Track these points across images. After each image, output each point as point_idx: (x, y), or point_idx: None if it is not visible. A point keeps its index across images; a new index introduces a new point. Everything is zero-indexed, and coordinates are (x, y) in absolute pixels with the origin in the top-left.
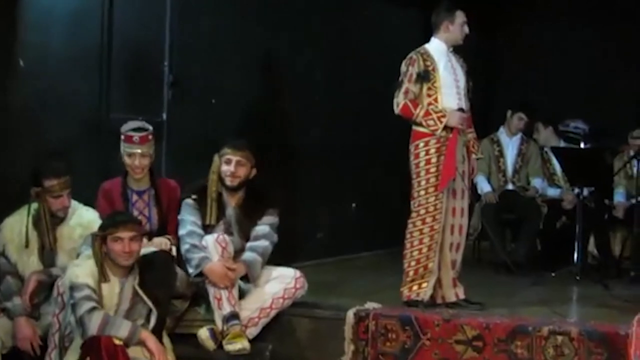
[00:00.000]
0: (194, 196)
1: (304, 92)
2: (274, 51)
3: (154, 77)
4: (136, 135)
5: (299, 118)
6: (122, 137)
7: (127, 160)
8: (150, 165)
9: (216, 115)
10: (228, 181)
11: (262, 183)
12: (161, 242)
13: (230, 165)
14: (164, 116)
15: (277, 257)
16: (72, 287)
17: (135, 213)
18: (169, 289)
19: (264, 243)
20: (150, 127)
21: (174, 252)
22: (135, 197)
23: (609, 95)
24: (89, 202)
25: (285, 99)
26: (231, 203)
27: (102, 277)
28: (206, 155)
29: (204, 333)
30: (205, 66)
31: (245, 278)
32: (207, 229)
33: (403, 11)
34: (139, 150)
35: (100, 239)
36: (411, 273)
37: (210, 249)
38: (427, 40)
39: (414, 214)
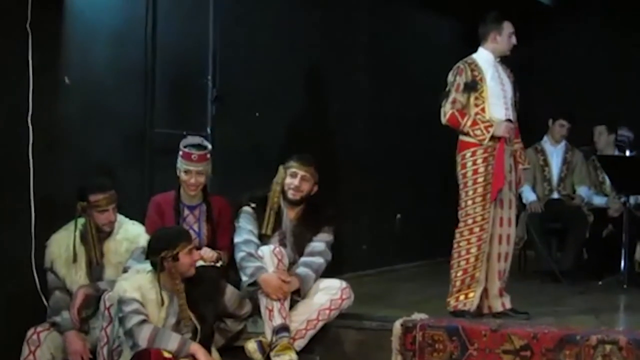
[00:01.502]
0: (253, 205)
1: (348, 103)
2: (316, 62)
3: (197, 92)
4: (195, 154)
5: (343, 129)
6: (180, 152)
7: (183, 176)
8: (205, 183)
9: (260, 129)
10: (290, 194)
11: (321, 200)
12: (209, 254)
13: (296, 179)
14: (208, 130)
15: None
16: (121, 301)
17: (185, 227)
18: (215, 305)
19: (319, 260)
20: (209, 146)
21: (220, 263)
22: (186, 212)
23: None
24: (132, 216)
25: (329, 110)
26: (289, 216)
27: (159, 297)
28: (250, 169)
29: (251, 345)
30: (248, 80)
31: (296, 293)
32: (262, 238)
33: (444, 21)
34: (196, 168)
35: (171, 257)
36: (458, 283)
37: (266, 259)
38: (468, 50)
39: (461, 224)
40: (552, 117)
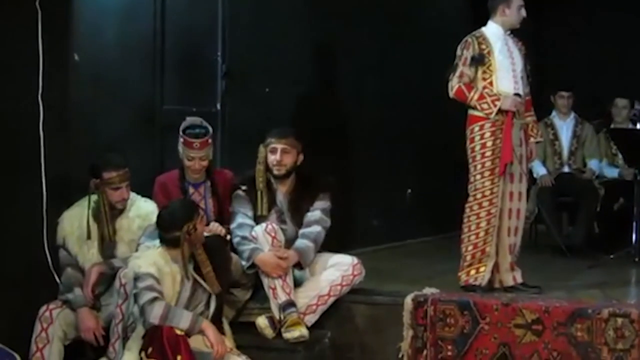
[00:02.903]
0: (243, 187)
1: (358, 78)
2: (326, 38)
3: (207, 68)
4: (196, 142)
5: (353, 104)
6: (181, 139)
7: (186, 162)
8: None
9: (270, 105)
10: (275, 170)
11: (310, 168)
12: (216, 227)
13: (276, 154)
14: (218, 106)
15: (333, 244)
16: (136, 277)
17: None
18: (227, 273)
19: (316, 229)
20: (209, 128)
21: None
22: (191, 190)
23: None
24: (143, 192)
25: (339, 85)
26: (281, 191)
27: (184, 269)
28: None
29: (262, 321)
30: (258, 56)
31: (298, 265)
32: (260, 219)
33: None
34: (199, 155)
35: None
36: (469, 257)
37: (260, 239)
38: (477, 24)
39: (470, 198)
40: (552, 93)
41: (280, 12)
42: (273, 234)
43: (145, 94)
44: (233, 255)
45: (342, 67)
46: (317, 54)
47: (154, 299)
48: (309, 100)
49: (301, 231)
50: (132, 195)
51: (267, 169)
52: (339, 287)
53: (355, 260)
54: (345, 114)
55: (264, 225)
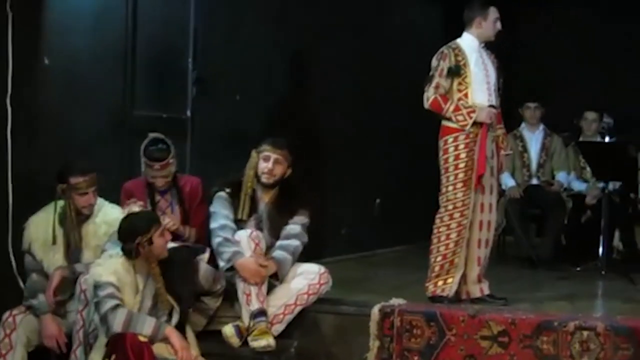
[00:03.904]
0: (227, 190)
1: (328, 87)
2: (298, 46)
3: (178, 74)
4: (157, 164)
5: (323, 114)
6: (143, 159)
7: (149, 178)
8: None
9: (241, 112)
10: (264, 178)
11: (296, 182)
12: (169, 223)
13: (269, 163)
14: (188, 113)
15: (302, 253)
16: (96, 286)
17: (159, 213)
18: (191, 285)
19: (295, 242)
20: (171, 148)
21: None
22: (158, 197)
23: (633, 87)
24: (111, 198)
25: (310, 95)
26: (264, 200)
27: (133, 280)
28: (230, 152)
29: (229, 330)
30: (230, 62)
31: (274, 276)
32: (238, 223)
33: (428, 5)
34: (161, 174)
35: (146, 242)
36: (437, 268)
37: (243, 244)
38: (447, 35)
39: (442, 209)
40: (520, 105)
41: (252, 19)
42: (257, 241)
43: (116, 99)
44: (202, 265)
45: (314, 75)
46: (288, 62)
47: (116, 307)
48: (280, 108)
49: (280, 243)
50: (100, 200)
51: (255, 175)
52: (305, 296)
53: (323, 269)
54: (315, 123)
55: (248, 230)
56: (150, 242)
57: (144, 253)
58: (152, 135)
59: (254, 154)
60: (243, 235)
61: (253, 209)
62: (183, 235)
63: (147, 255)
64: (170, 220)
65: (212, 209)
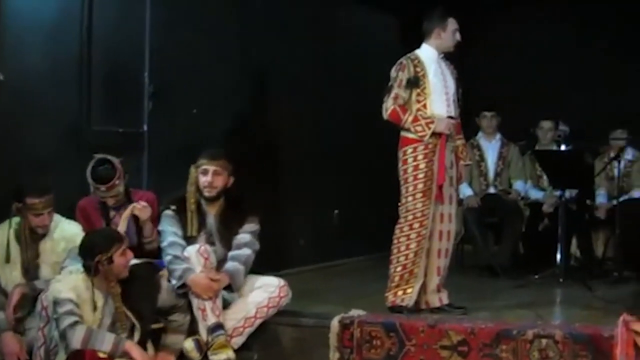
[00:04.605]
0: (173, 207)
1: (286, 99)
2: (256, 59)
3: (134, 88)
4: (102, 187)
5: (282, 126)
6: (89, 180)
7: (100, 198)
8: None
9: (198, 125)
10: (206, 192)
11: (241, 191)
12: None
13: (208, 176)
14: (145, 127)
15: (261, 265)
16: (55, 302)
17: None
18: (152, 302)
19: (246, 251)
20: (116, 169)
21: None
22: (112, 213)
23: (588, 95)
24: (69, 214)
25: (268, 107)
26: (211, 213)
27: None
28: (187, 166)
29: (188, 344)
30: (186, 76)
31: (229, 288)
32: (189, 240)
33: (385, 16)
34: (108, 194)
35: (106, 261)
36: (396, 278)
37: (192, 260)
38: (406, 46)
39: (401, 220)
40: (476, 114)
41: (209, 32)
42: (206, 256)
43: (72, 114)
44: (164, 282)
45: (272, 88)
46: (246, 75)
47: (75, 323)
48: (238, 121)
49: (231, 254)
50: (56, 217)
51: (197, 190)
52: (265, 309)
53: (282, 282)
54: (274, 136)
55: (197, 246)
56: (110, 261)
57: (103, 271)
58: (97, 156)
59: (192, 169)
60: (192, 251)
61: (201, 223)
62: (146, 236)
63: (107, 273)
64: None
65: (160, 227)
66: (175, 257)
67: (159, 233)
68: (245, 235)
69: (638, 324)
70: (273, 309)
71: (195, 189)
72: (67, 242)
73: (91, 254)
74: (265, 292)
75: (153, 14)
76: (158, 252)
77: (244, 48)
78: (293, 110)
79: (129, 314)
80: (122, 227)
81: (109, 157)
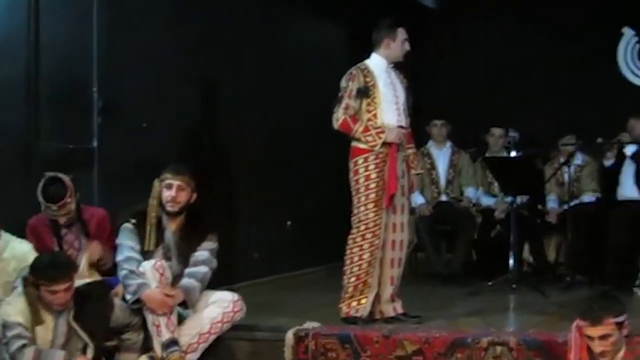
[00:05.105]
0: (133, 221)
1: (237, 112)
2: (207, 72)
3: (83, 103)
4: (53, 206)
5: (233, 139)
6: (40, 199)
7: (50, 216)
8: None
9: (149, 140)
10: (169, 206)
11: (202, 208)
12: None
13: (172, 190)
14: (95, 142)
15: (215, 279)
16: (4, 326)
17: (66, 247)
18: (105, 321)
19: (203, 269)
20: (67, 188)
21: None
22: (64, 231)
23: (538, 102)
24: (18, 233)
25: (218, 120)
26: (171, 228)
27: (35, 318)
28: (139, 181)
29: None
30: (136, 90)
31: (183, 304)
32: (146, 254)
33: (335, 27)
34: (60, 213)
35: (32, 284)
36: (350, 289)
37: (148, 275)
38: (356, 56)
39: (354, 230)
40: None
41: (159, 46)
42: (161, 271)
43: (20, 130)
44: (117, 300)
45: (222, 101)
46: (196, 88)
47: (23, 346)
48: (190, 135)
49: (188, 270)
50: (6, 236)
51: (160, 204)
52: (219, 324)
53: (236, 296)
54: (227, 148)
55: (152, 261)
56: (53, 292)
57: (45, 299)
58: (47, 174)
59: (156, 182)
60: (147, 266)
61: (160, 238)
62: (102, 260)
63: (48, 302)
64: (90, 251)
65: (117, 240)
66: (131, 271)
67: (115, 247)
68: (204, 252)
69: (591, 329)
70: (227, 324)
71: (158, 203)
72: (19, 261)
73: (33, 280)
74: (219, 307)
75: (101, 29)
76: (112, 270)
77: (193, 61)
78: (244, 123)
79: (82, 333)
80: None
81: (60, 175)
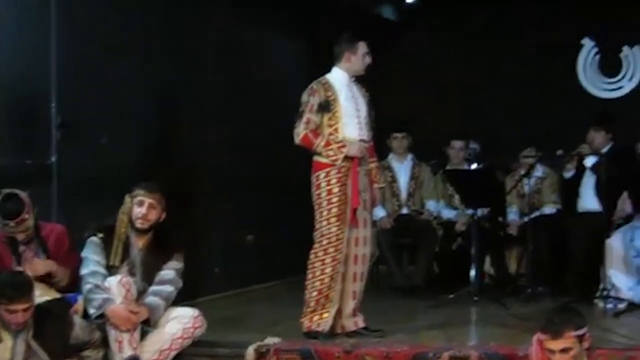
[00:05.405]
0: (100, 235)
1: (198, 127)
2: (167, 87)
3: (41, 119)
4: (11, 222)
5: (193, 153)
6: None
7: (8, 233)
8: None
9: (109, 155)
10: (139, 223)
11: (170, 227)
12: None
13: (143, 208)
14: (53, 158)
15: (178, 293)
16: None
17: (25, 264)
18: (64, 339)
19: (169, 288)
20: (24, 204)
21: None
22: (22, 247)
23: (498, 114)
24: None
25: (179, 136)
26: (137, 245)
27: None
28: (98, 197)
29: None
30: (95, 105)
31: (146, 322)
32: (111, 269)
33: (291, 42)
34: (17, 229)
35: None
36: (312, 303)
37: (113, 290)
38: (317, 70)
39: (316, 245)
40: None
41: (118, 61)
42: (127, 287)
43: None
44: (77, 318)
45: (183, 115)
46: (158, 103)
47: None
48: (149, 150)
49: (153, 288)
50: None
51: (129, 220)
52: (180, 341)
53: (196, 312)
54: (186, 162)
55: (119, 277)
56: (11, 312)
57: (3, 318)
58: (4, 191)
59: (127, 198)
60: (113, 281)
61: (126, 254)
62: (56, 277)
63: (6, 322)
64: (32, 268)
65: (83, 254)
66: (96, 286)
67: (74, 264)
68: (170, 271)
69: (552, 342)
70: (188, 340)
71: (128, 219)
72: None
73: None
74: (179, 323)
75: (59, 44)
76: (70, 287)
77: (153, 77)
78: (204, 138)
79: (41, 352)
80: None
81: (17, 191)
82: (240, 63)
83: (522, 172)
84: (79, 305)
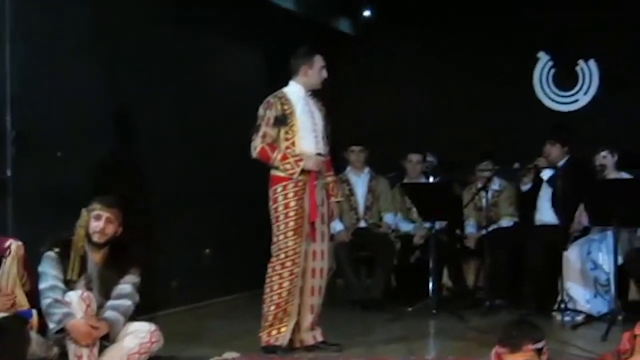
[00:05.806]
0: (56, 249)
1: (155, 140)
2: (125, 99)
3: None
4: None
5: (151, 167)
6: None
7: None
8: None
9: (66, 169)
10: (96, 237)
11: (126, 241)
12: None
13: (100, 222)
14: (8, 172)
15: (134, 308)
16: None
17: None
18: (21, 356)
19: (127, 303)
20: None
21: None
22: None
23: (455, 128)
24: None
25: (136, 149)
26: (94, 259)
27: None
28: (54, 211)
29: None
30: (51, 119)
31: (105, 337)
32: (68, 283)
33: (248, 56)
34: None
35: None
36: (270, 317)
37: (74, 305)
38: (273, 83)
39: (274, 259)
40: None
41: (74, 73)
42: (88, 302)
43: None
44: (33, 334)
45: (139, 128)
46: (113, 116)
47: None
48: (107, 164)
49: (111, 303)
50: None
51: (86, 234)
52: (137, 356)
53: (153, 326)
54: (144, 176)
55: (79, 291)
56: None
57: None
58: None
59: (84, 212)
60: (74, 296)
61: (83, 268)
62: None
63: None
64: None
65: (40, 269)
66: (56, 300)
67: (29, 278)
68: (126, 286)
69: (510, 356)
70: (145, 355)
71: (85, 233)
72: None
73: None
74: (136, 338)
75: (13, 57)
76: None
77: (110, 90)
78: (162, 151)
79: None
80: None
81: None
82: (197, 77)
83: (479, 185)
84: (34, 321)
